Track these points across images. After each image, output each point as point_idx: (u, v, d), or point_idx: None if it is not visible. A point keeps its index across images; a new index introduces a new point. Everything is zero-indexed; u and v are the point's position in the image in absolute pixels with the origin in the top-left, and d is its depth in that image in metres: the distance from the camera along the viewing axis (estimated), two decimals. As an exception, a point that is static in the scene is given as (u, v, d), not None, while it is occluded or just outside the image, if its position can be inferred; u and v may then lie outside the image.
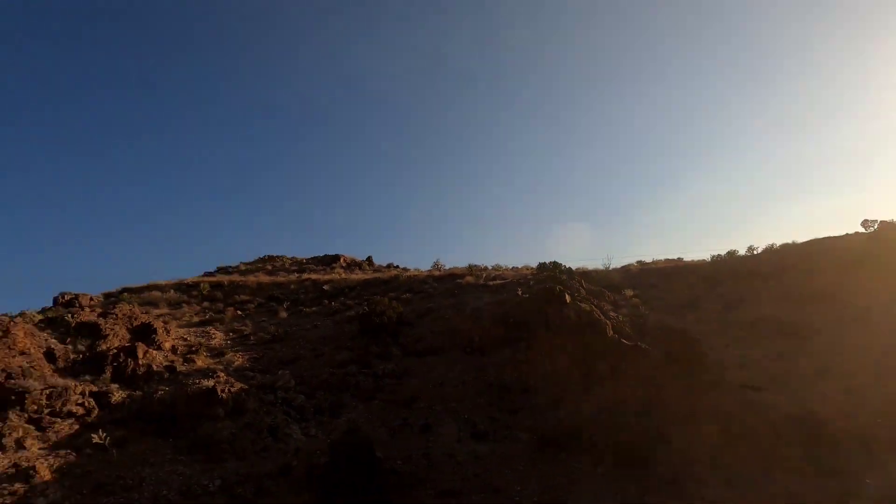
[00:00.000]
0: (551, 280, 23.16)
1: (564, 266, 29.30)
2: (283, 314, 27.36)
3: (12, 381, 15.73)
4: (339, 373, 20.27)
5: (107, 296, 30.28)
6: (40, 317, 21.55)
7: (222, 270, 39.40)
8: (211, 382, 17.66)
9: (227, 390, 17.38)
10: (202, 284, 30.83)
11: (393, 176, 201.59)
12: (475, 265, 33.13)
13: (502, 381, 18.46)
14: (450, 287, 29.09)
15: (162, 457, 14.97)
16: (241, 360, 21.77)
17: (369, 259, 41.60)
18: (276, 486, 13.98)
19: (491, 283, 28.95)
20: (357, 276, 34.22)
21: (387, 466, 14.55)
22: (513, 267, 35.92)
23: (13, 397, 15.29)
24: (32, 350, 17.45)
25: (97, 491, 13.08)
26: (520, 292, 23.24)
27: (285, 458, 15.31)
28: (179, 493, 13.31)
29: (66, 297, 27.75)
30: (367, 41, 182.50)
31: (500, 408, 17.51)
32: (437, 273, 33.38)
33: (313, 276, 33.58)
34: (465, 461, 15.03)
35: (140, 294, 30.21)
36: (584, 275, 28.84)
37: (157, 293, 29.91)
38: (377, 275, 33.84)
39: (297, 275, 35.11)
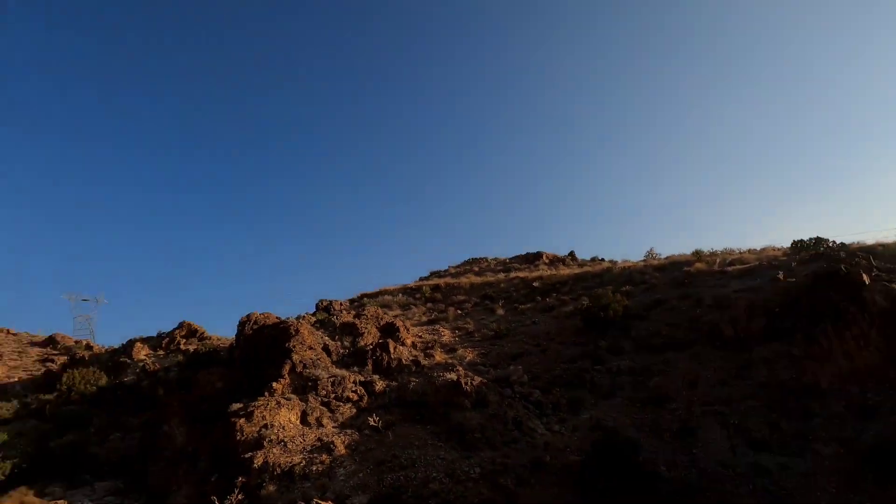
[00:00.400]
0: (826, 259, 18.49)
1: (832, 241, 23.38)
2: (500, 311, 28.02)
3: (307, 370, 19.22)
4: (572, 368, 19.56)
5: (351, 301, 35.48)
6: (314, 319, 26.11)
7: (435, 274, 42.77)
8: (454, 375, 18.80)
9: (469, 383, 18.27)
10: (423, 288, 33.77)
11: (582, 171, 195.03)
12: (702, 250, 28.97)
13: (779, 381, 15.25)
14: (676, 276, 25.91)
15: (423, 441, 16.22)
16: (471, 355, 22.83)
17: (571, 254, 40.26)
18: (534, 479, 13.85)
19: (729, 268, 24.82)
20: (565, 271, 33.25)
21: (649, 470, 13.18)
22: (749, 249, 30.41)
23: (309, 384, 18.65)
24: (315, 346, 21.10)
25: (379, 466, 14.77)
26: (781, 276, 19.14)
27: (535, 452, 15.18)
28: (446, 475, 14.11)
29: (324, 303, 33.47)
30: (561, 46, 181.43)
31: (783, 414, 14.42)
32: (654, 262, 30.23)
33: (521, 274, 33.82)
34: (748, 474, 12.68)
35: (375, 298, 34.58)
36: (867, 250, 22.38)
37: (388, 297, 33.81)
38: (586, 269, 32.32)
39: (503, 274, 35.88)
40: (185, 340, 38.58)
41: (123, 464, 20.14)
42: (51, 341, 42.82)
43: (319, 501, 11.62)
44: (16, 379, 35.03)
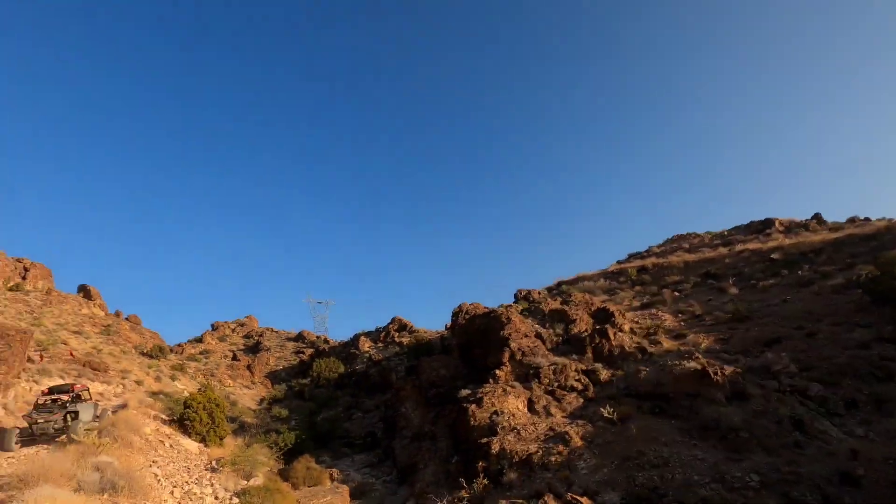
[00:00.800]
0: None
1: None
2: (733, 290, 23.70)
3: (526, 358, 18.76)
4: (864, 356, 15.11)
5: (549, 289, 34.46)
6: (519, 308, 25.83)
7: (634, 256, 39.02)
8: (696, 364, 16.17)
9: (718, 372, 15.49)
10: (629, 270, 30.83)
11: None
12: None
13: None
14: None
15: (670, 437, 14.15)
16: (706, 341, 19.62)
17: (817, 217, 32.21)
18: (847, 497, 10.73)
19: None
20: (814, 237, 26.64)
21: None
22: None
23: (531, 371, 18.14)
24: (529, 334, 20.60)
25: (624, 463, 13.25)
26: None
27: (836, 462, 11.85)
28: (713, 481, 11.91)
29: (523, 293, 33.18)
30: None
31: None
32: (967, 213, 21.94)
33: (750, 246, 28.27)
34: None
35: (574, 285, 32.88)
36: None
37: (589, 283, 31.81)
38: (851, 231, 25.27)
39: (725, 248, 30.58)
40: (397, 333, 42.81)
41: (368, 438, 22.73)
42: (300, 337, 51.95)
43: (575, 497, 10.74)
44: (281, 367, 43.32)
